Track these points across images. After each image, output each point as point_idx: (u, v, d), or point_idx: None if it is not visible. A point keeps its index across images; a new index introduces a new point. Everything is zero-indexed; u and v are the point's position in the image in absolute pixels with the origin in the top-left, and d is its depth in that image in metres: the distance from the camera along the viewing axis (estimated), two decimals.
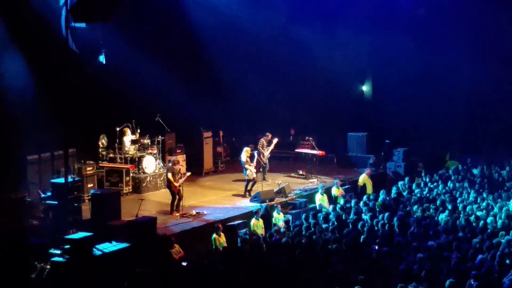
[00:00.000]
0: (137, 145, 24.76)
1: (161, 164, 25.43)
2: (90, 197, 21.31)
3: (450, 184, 23.17)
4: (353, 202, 21.27)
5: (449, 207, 19.92)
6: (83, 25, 22.48)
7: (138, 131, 24.85)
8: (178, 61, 28.68)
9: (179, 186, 22.04)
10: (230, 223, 20.74)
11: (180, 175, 22.33)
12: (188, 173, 23.12)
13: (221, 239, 19.09)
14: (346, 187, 24.83)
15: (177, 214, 21.59)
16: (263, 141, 26.30)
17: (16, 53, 22.67)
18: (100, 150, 24.36)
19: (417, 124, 31.24)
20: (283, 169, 27.95)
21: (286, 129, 31.11)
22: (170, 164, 22.58)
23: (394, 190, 22.76)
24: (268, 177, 26.07)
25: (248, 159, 24.11)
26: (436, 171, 25.24)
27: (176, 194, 21.92)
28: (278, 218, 21.06)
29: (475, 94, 31.20)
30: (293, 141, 29.80)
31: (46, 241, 17.79)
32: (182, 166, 26.42)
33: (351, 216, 19.57)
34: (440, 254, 15.59)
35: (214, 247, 18.78)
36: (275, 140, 26.35)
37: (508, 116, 30.36)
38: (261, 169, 26.07)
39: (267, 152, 26.14)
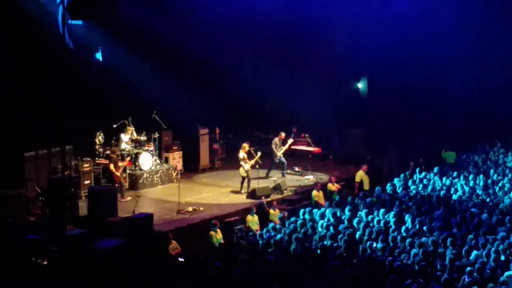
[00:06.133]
0: (132, 142, 24.82)
1: (158, 161, 25.50)
2: (86, 193, 21.38)
3: (445, 181, 23.24)
4: (349, 198, 21.33)
5: (444, 203, 20.01)
6: (79, 22, 22.56)
7: (133, 128, 24.90)
8: (175, 57, 28.73)
9: (121, 175, 22.99)
10: (226, 220, 20.82)
11: (120, 165, 23.24)
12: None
13: (218, 236, 19.14)
14: (342, 183, 24.92)
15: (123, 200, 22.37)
16: (276, 140, 26.39)
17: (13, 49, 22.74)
18: (97, 147, 24.43)
19: (413, 121, 31.34)
20: (279, 166, 28.01)
21: (283, 125, 31.08)
22: (111, 155, 23.28)
23: (389, 186, 22.82)
24: (263, 174, 26.04)
25: (245, 156, 24.17)
26: (431, 168, 25.31)
27: (119, 182, 22.84)
28: (274, 214, 21.12)
29: (470, 91, 31.33)
30: (295, 138, 29.73)
31: (43, 237, 17.85)
32: (178, 163, 26.54)
33: (346, 212, 19.64)
34: (435, 250, 15.67)
35: (211, 243, 18.84)
36: (290, 141, 26.44)
37: (504, 112, 30.48)
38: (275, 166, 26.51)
39: (280, 152, 26.21)
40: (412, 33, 30.53)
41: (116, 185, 22.70)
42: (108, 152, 24.10)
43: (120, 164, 23.40)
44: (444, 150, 28.25)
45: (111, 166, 22.97)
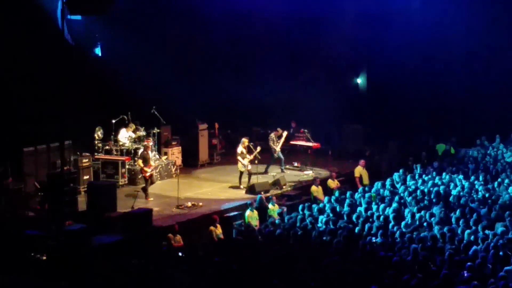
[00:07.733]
0: (132, 137, 24.81)
1: (157, 156, 25.49)
2: (86, 188, 21.39)
3: (444, 176, 23.24)
4: (348, 194, 21.33)
5: (443, 198, 20.02)
6: (78, 17, 22.53)
7: (130, 124, 24.91)
8: (174, 53, 28.70)
9: (151, 171, 22.71)
10: (225, 215, 20.82)
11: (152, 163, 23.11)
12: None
13: (218, 231, 19.15)
14: (341, 178, 24.92)
15: (151, 199, 22.19)
16: (273, 136, 26.41)
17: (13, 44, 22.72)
18: (96, 142, 24.42)
19: (412, 116, 31.34)
20: (278, 161, 28.00)
21: (282, 121, 31.06)
22: (142, 150, 23.09)
23: (388, 181, 22.81)
24: (263, 169, 26.03)
25: (244, 151, 24.18)
26: (430, 163, 25.32)
27: (147, 180, 22.58)
28: (273, 209, 21.12)
29: (470, 86, 31.33)
30: (294, 133, 29.67)
31: (42, 232, 17.84)
32: (177, 158, 26.54)
33: (345, 208, 19.64)
34: (434, 246, 15.68)
35: (211, 238, 18.84)
36: (284, 134, 26.45)
37: (503, 108, 30.49)
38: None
39: (278, 147, 26.23)
40: (411, 28, 30.49)
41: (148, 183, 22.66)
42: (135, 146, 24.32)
43: (152, 162, 23.24)
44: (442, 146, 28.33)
45: (139, 162, 22.82)
